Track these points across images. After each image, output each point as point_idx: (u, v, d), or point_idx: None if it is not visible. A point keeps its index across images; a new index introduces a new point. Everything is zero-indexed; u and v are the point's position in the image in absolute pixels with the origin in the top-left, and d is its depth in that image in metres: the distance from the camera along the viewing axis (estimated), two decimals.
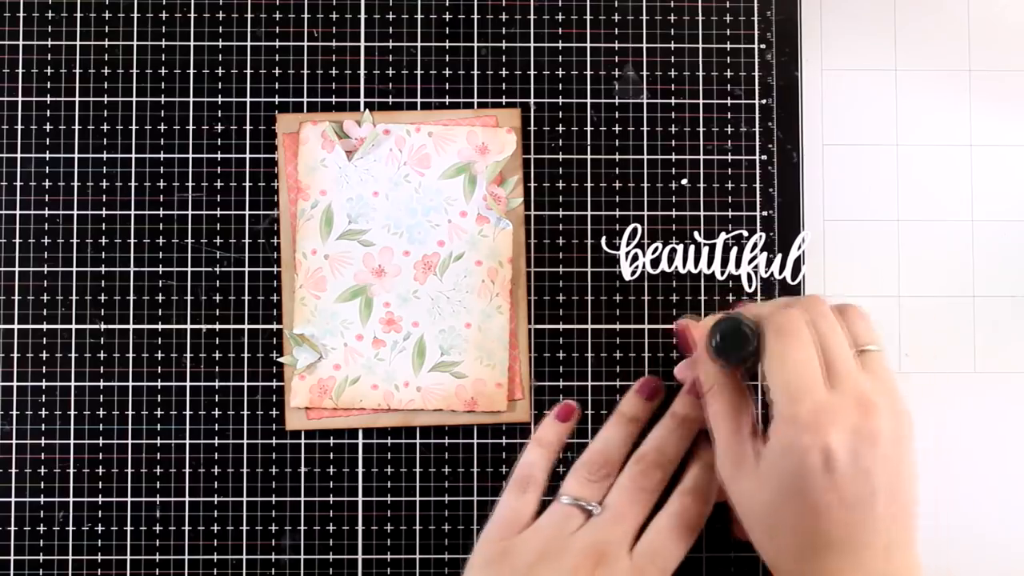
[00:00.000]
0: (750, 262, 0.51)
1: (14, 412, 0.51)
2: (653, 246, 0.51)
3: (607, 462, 0.48)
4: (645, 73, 0.52)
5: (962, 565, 0.50)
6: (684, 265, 0.51)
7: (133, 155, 0.51)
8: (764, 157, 0.52)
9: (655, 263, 0.51)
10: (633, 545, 0.45)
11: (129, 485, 0.51)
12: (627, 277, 0.51)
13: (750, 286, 0.51)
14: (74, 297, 0.51)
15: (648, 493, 0.46)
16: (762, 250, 0.51)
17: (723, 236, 0.51)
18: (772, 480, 0.41)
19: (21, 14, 0.52)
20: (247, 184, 0.52)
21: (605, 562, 0.45)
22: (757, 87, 0.52)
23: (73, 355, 0.51)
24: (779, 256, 0.51)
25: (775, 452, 0.41)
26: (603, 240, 0.51)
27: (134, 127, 0.52)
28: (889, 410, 0.40)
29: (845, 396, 0.40)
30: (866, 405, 0.40)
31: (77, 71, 0.52)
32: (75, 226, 0.51)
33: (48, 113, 0.51)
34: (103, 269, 0.51)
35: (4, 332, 0.51)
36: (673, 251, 0.51)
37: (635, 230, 0.51)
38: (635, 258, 0.51)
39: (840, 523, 0.40)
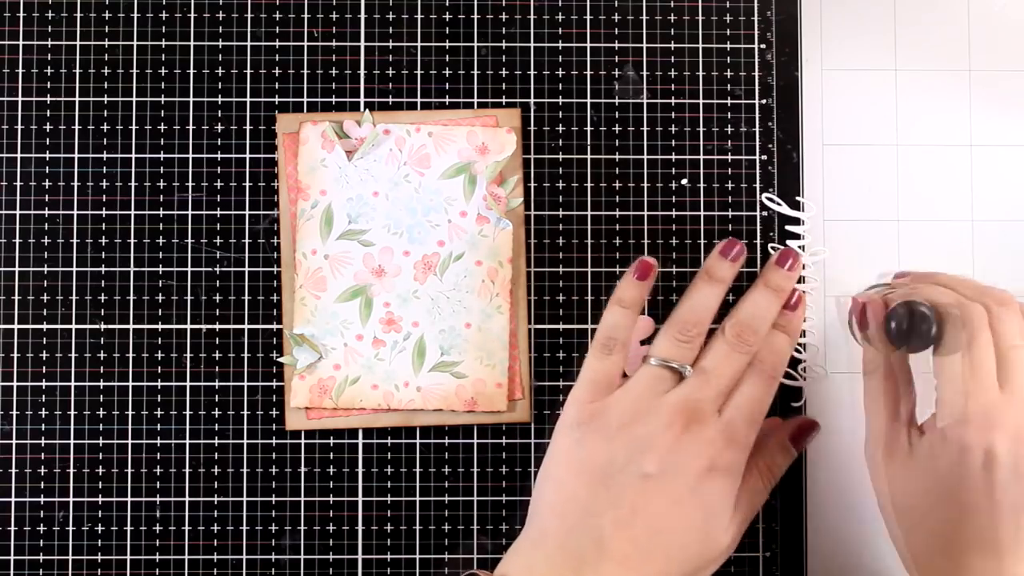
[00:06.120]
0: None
1: (14, 412, 0.51)
2: None
3: (699, 322, 0.47)
4: (645, 73, 0.52)
5: None
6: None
7: (133, 155, 0.51)
8: (764, 157, 0.52)
9: None
10: (722, 404, 0.45)
11: (129, 485, 0.51)
12: None
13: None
14: (74, 297, 0.51)
15: (742, 356, 0.46)
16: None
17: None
18: (925, 472, 0.41)
19: (21, 14, 0.52)
20: (247, 184, 0.52)
21: (697, 419, 0.44)
22: (757, 87, 0.52)
23: (73, 355, 0.51)
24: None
25: (933, 444, 0.41)
26: None
27: (134, 127, 0.52)
28: None
29: (1015, 398, 0.40)
30: None
31: (77, 71, 0.52)
32: (75, 226, 0.51)
33: (48, 113, 0.51)
34: (103, 269, 0.51)
35: (4, 332, 0.51)
36: None
37: None
38: None
39: (989, 525, 0.39)
